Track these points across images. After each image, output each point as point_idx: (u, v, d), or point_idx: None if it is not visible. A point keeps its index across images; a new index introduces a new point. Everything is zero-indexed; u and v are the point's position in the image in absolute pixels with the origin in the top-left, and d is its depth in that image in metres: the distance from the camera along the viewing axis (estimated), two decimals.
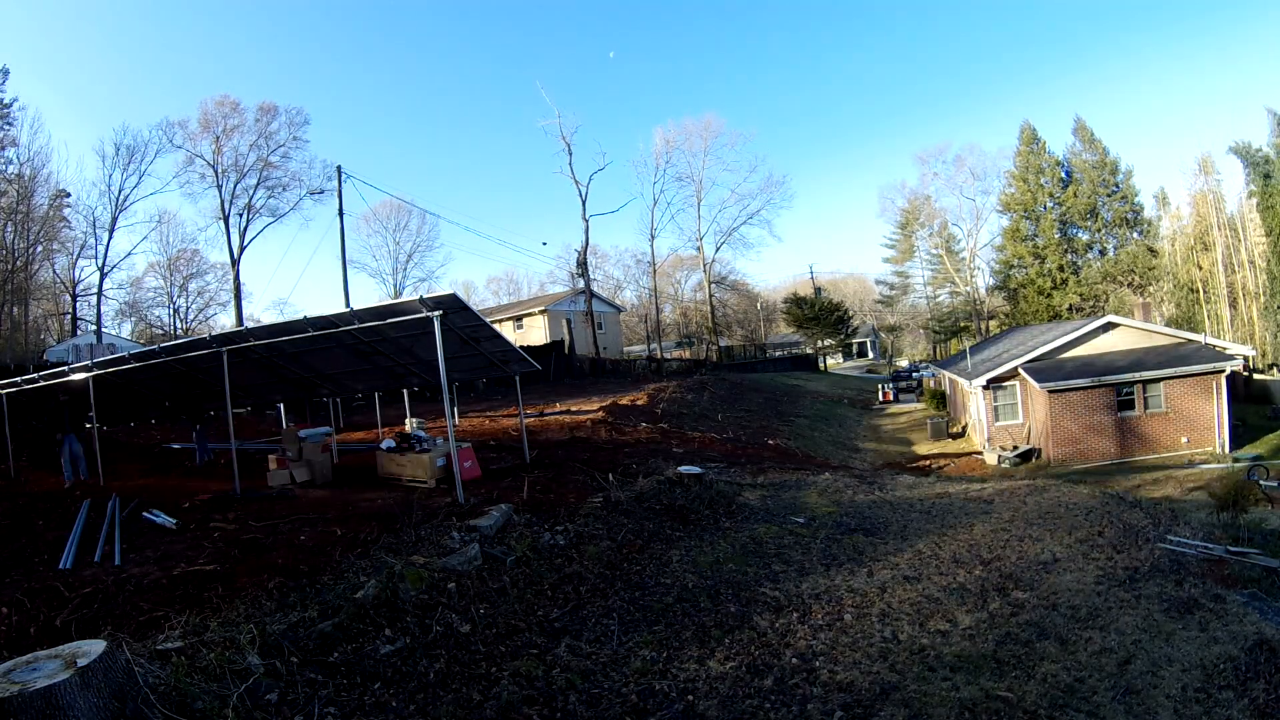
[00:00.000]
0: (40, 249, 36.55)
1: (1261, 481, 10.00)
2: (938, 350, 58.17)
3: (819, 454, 23.00)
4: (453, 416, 9.19)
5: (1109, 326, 20.98)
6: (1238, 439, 19.08)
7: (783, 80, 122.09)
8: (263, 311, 55.02)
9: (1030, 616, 4.89)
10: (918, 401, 36.70)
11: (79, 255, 40.23)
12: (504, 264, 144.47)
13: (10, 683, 2.82)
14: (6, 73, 33.64)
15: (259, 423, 20.43)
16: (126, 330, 46.82)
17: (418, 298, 9.00)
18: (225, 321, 47.43)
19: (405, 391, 14.68)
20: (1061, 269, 47.11)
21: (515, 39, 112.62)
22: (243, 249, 42.90)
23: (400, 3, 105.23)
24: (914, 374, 43.59)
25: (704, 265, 50.73)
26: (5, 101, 33.77)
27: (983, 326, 51.83)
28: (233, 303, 46.22)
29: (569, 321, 40.02)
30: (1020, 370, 20.76)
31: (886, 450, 25.25)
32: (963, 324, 55.03)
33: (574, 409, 21.88)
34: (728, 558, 6.73)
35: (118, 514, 7.99)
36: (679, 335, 58.40)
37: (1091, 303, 44.91)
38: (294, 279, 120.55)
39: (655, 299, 51.18)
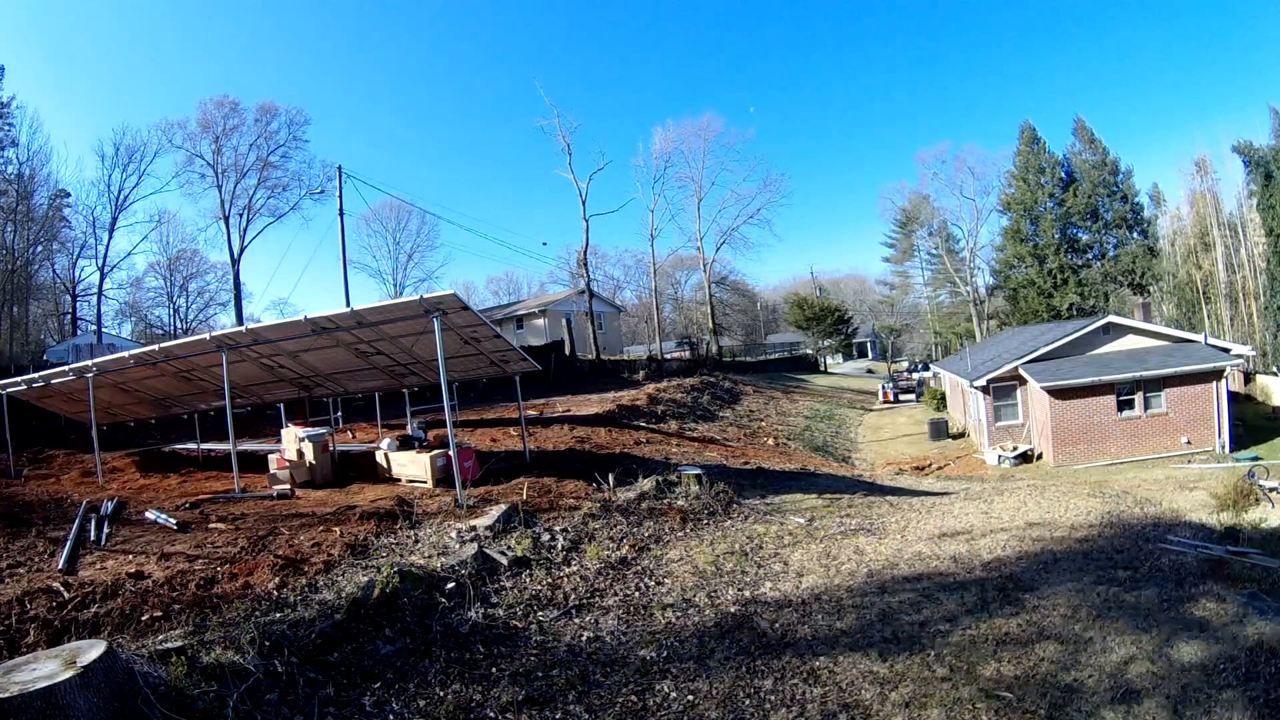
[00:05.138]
0: (40, 249, 36.53)
1: (1261, 481, 9.99)
2: (938, 350, 58.16)
3: (819, 454, 23.01)
4: (452, 417, 9.19)
5: (1109, 327, 20.97)
6: (1238, 439, 19.08)
7: (782, 80, 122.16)
8: (263, 311, 54.93)
9: (1030, 617, 4.89)
10: (918, 402, 36.69)
11: (79, 255, 40.21)
12: (504, 264, 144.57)
13: (10, 683, 2.82)
14: (2, 70, 33.64)
15: (259, 423, 20.42)
16: (126, 330, 46.86)
17: (418, 298, 9.01)
18: (225, 321, 47.38)
19: (405, 391, 14.68)
20: (1062, 269, 47.06)
21: (514, 38, 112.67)
22: (243, 249, 42.85)
23: (400, 3, 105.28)
24: (914, 374, 43.60)
25: (704, 265, 50.69)
26: (4, 100, 33.76)
27: (983, 327, 51.81)
28: (233, 303, 46.21)
29: (569, 321, 39.97)
30: (1021, 370, 20.76)
31: (886, 450, 25.25)
32: (963, 324, 55.01)
33: (574, 409, 21.87)
34: (727, 557, 6.74)
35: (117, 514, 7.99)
36: (679, 335, 58.32)
37: (1092, 303, 44.88)
38: (294, 279, 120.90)
39: (655, 299, 51.11)
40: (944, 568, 6.24)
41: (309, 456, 10.84)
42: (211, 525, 7.80)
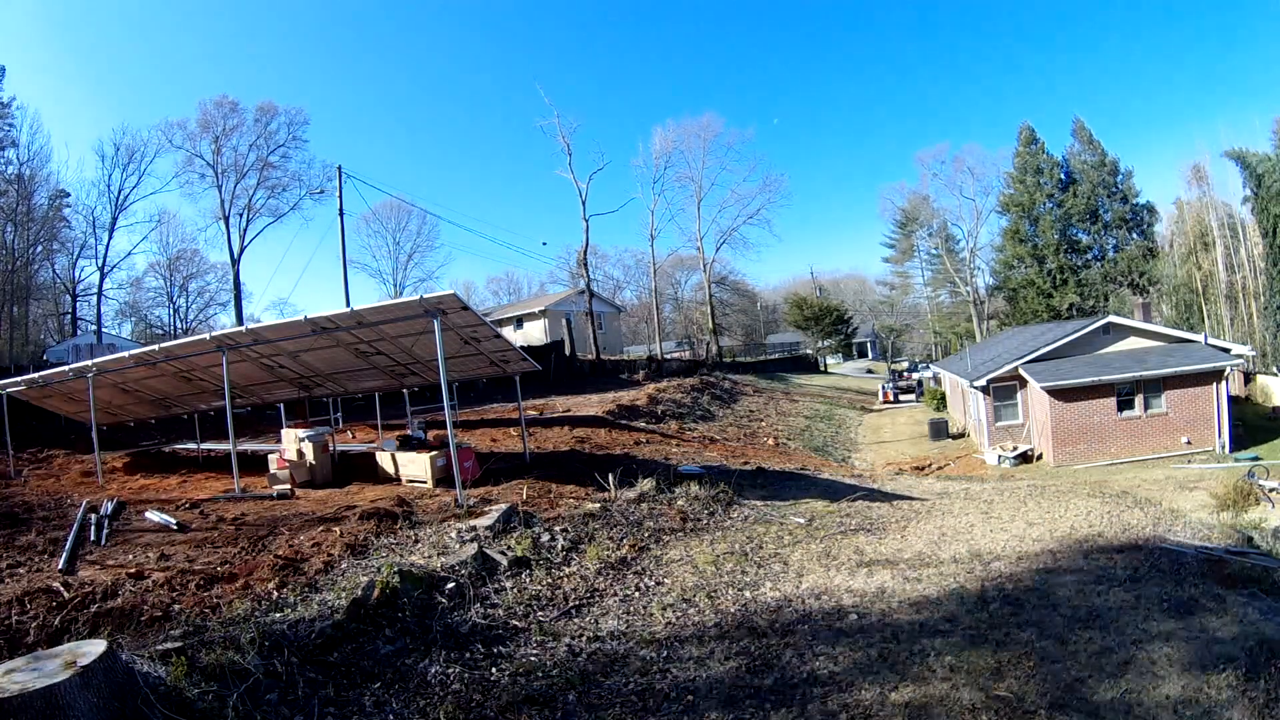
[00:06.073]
0: (40, 249, 36.54)
1: (1261, 481, 10.00)
2: (938, 350, 58.17)
3: (819, 454, 23.01)
4: (452, 417, 9.19)
5: (1109, 327, 20.97)
6: (1238, 439, 19.08)
7: (782, 79, 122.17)
8: (263, 311, 54.85)
9: (1030, 617, 4.89)
10: (918, 402, 36.70)
11: (79, 255, 40.20)
12: (504, 264, 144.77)
13: (10, 683, 2.82)
14: (3, 70, 33.64)
15: (259, 423, 20.42)
16: (126, 330, 46.82)
17: (418, 298, 9.01)
18: (225, 321, 47.34)
19: (405, 391, 14.69)
20: (1061, 270, 47.07)
21: (514, 38, 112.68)
22: (243, 249, 42.84)
23: (399, 3, 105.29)
24: (914, 374, 43.60)
25: (704, 265, 50.72)
26: (4, 100, 33.77)
27: (983, 327, 51.81)
28: (233, 303, 46.22)
29: (569, 321, 39.96)
30: (1020, 370, 20.76)
31: (886, 450, 25.24)
32: (963, 324, 55.02)
33: (574, 409, 21.87)
34: (727, 557, 6.73)
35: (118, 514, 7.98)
36: (679, 335, 58.36)
37: (1091, 303, 44.88)
38: (294, 279, 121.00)
39: (655, 299, 51.14)
40: (945, 568, 6.24)
41: (309, 456, 10.84)
42: (211, 525, 7.79)
